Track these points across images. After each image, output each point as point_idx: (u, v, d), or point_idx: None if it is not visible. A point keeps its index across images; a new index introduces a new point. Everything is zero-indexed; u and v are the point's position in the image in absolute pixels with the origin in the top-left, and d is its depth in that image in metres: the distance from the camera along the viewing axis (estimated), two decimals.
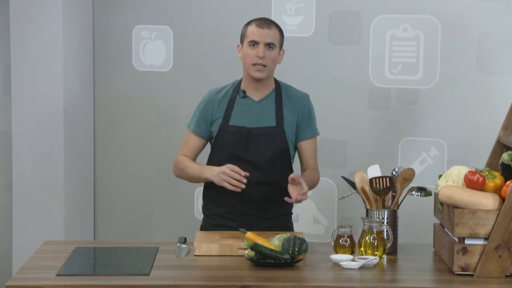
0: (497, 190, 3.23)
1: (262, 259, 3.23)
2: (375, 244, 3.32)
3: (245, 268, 3.23)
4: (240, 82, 3.82)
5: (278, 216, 3.81)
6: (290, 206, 3.86)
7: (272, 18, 4.47)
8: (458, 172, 3.34)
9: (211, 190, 3.80)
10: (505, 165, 3.38)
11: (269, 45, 3.71)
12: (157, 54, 5.17)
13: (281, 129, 3.76)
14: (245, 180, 3.60)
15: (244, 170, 3.63)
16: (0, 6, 5.05)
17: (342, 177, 3.80)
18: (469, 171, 3.28)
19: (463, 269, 3.15)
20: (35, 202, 4.97)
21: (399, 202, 3.55)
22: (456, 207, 3.19)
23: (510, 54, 4.72)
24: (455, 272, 3.16)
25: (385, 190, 3.49)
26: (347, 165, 4.94)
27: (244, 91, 3.78)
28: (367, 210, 3.54)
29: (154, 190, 5.21)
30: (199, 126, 3.81)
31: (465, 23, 4.76)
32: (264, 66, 3.70)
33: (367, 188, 3.54)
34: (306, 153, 3.82)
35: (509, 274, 3.13)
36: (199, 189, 4.88)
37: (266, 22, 3.75)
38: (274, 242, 3.31)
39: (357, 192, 3.60)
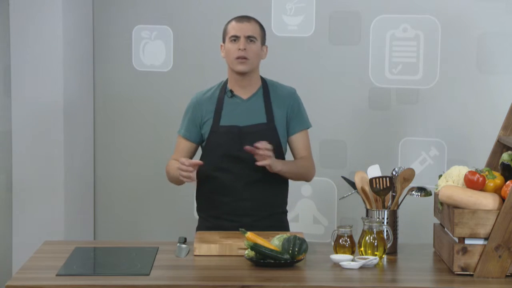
0: (497, 190, 3.23)
1: (262, 259, 3.23)
2: (375, 244, 3.32)
3: (245, 268, 3.23)
4: (225, 82, 3.82)
5: (273, 214, 3.80)
6: (284, 204, 3.86)
7: (272, 18, 4.47)
8: (458, 172, 3.34)
9: (203, 191, 3.82)
10: (505, 165, 3.38)
11: (249, 38, 3.72)
12: (157, 54, 5.17)
13: (272, 125, 3.75)
14: (191, 169, 3.55)
15: (238, 169, 3.68)
16: (0, 6, 5.05)
17: (342, 177, 3.79)
18: (469, 171, 3.27)
19: (463, 269, 3.15)
20: (35, 202, 4.96)
21: (399, 202, 3.55)
22: (456, 207, 3.18)
23: (510, 54, 4.72)
24: (455, 272, 3.16)
25: (385, 190, 3.48)
26: (347, 165, 4.94)
27: (231, 91, 3.78)
28: (367, 210, 3.54)
29: (154, 190, 5.21)
30: (189, 130, 3.81)
31: (465, 23, 4.76)
32: (247, 59, 3.70)
33: (367, 188, 3.54)
34: (298, 146, 3.80)
35: (509, 274, 3.13)
36: None
37: (245, 17, 3.79)
38: (274, 242, 3.31)
39: (357, 192, 3.60)
